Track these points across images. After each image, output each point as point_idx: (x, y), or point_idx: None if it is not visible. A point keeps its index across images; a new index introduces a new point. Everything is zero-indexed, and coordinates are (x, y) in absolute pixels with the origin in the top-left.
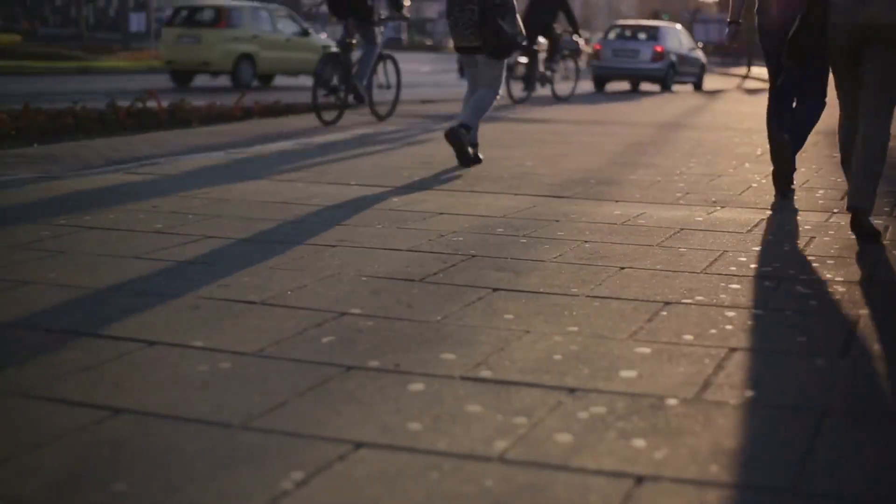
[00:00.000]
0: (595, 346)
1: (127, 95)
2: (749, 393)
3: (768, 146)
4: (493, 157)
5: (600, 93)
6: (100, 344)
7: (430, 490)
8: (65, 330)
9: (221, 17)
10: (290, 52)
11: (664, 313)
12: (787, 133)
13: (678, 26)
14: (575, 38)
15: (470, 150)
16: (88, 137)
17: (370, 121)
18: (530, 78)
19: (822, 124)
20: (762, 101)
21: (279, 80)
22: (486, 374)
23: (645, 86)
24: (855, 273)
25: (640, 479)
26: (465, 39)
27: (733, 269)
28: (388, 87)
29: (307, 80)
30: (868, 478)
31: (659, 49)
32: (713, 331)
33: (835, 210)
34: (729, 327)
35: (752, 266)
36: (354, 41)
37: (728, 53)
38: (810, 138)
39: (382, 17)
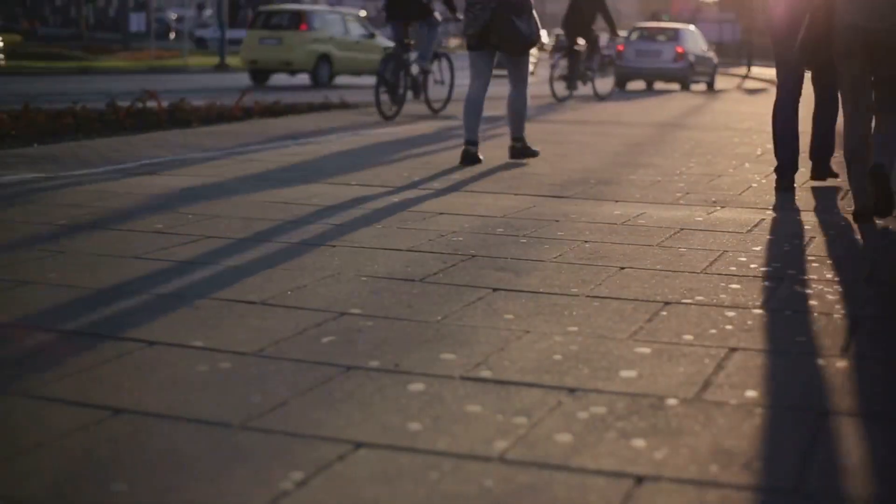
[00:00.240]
0: (595, 346)
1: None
2: (749, 393)
3: (772, 146)
4: (493, 157)
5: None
6: (100, 344)
7: (430, 490)
8: (65, 330)
9: (302, 20)
10: (359, 52)
11: (664, 313)
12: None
13: (693, 28)
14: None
15: (471, 149)
16: (88, 137)
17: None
18: (572, 77)
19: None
20: (762, 101)
21: (340, 80)
22: (486, 374)
23: (658, 85)
24: (855, 273)
25: (640, 480)
26: (478, 36)
27: (733, 269)
28: (443, 83)
29: (369, 80)
30: (868, 478)
31: (680, 50)
32: (713, 331)
33: (835, 210)
34: (729, 327)
35: (752, 266)
36: (412, 42)
37: (727, 54)
38: (805, 138)
39: (439, 18)
